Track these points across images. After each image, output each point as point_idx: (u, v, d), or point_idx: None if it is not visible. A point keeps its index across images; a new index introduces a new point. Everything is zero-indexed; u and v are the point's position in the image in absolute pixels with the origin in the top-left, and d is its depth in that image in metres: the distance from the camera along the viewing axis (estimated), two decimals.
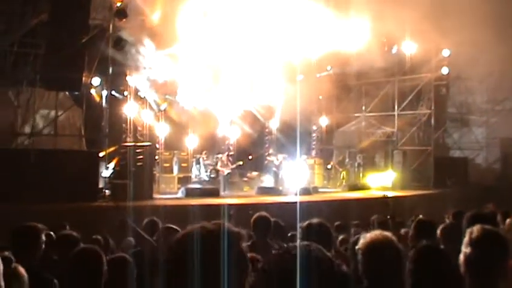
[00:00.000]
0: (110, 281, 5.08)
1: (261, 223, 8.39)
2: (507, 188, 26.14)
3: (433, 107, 32.80)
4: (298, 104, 25.05)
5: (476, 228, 3.96)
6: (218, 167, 27.52)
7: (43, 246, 5.96)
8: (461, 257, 3.94)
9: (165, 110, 28.29)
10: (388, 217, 12.74)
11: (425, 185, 31.20)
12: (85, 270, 4.97)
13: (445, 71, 32.99)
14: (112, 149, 24.31)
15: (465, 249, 3.92)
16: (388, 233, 4.40)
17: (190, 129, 29.08)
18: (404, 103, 32.94)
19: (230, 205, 20.99)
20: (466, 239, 3.95)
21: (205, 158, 28.51)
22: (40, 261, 6.27)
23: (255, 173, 30.62)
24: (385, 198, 13.53)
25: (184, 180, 27.46)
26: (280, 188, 27.27)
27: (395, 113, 33.22)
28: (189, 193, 24.41)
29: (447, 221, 8.48)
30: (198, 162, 28.61)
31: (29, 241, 5.83)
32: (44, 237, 6.02)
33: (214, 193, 25.12)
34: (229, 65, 27.49)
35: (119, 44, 24.17)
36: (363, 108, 34.88)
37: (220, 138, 29.97)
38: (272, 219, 8.60)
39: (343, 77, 32.37)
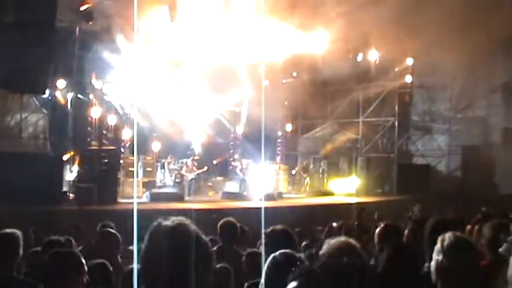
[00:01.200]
0: None
1: (228, 229, 8.33)
2: (468, 195, 26.37)
3: (396, 115, 33.08)
4: (263, 110, 25.00)
5: (447, 236, 3.96)
6: (183, 172, 27.42)
7: (21, 252, 5.82)
8: (433, 264, 3.94)
9: (130, 114, 28.03)
10: (356, 223, 12.82)
11: (389, 192, 31.43)
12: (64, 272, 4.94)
13: (408, 79, 33.29)
14: (76, 152, 24.09)
15: (437, 256, 3.92)
16: (351, 240, 4.37)
17: (156, 133, 28.88)
18: (369, 110, 33.16)
19: (195, 210, 20.95)
20: (437, 246, 3.95)
21: (170, 163, 28.38)
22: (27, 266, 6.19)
23: (219, 178, 30.55)
24: (361, 209, 13.67)
25: (149, 185, 27.26)
26: (245, 193, 27.28)
27: (360, 119, 33.43)
28: (154, 197, 24.24)
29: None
30: (163, 167, 28.48)
31: (6, 249, 5.70)
32: (22, 243, 5.88)
33: (179, 198, 25.07)
34: (194, 71, 27.40)
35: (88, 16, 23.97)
36: (328, 114, 35.00)
37: (185, 143, 29.78)
38: (238, 225, 8.56)
39: (309, 84, 32.42)
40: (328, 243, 4.21)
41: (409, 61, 32.82)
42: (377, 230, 7.11)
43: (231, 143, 32.91)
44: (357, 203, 25.50)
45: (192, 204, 23.81)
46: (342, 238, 4.33)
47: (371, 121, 33.70)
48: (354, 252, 4.18)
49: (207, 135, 30.56)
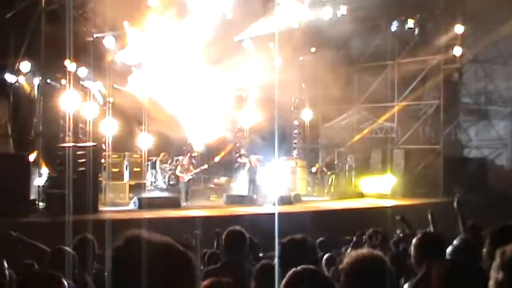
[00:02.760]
0: None
1: (235, 240, 8.41)
2: None
3: (442, 96, 32.73)
4: (276, 94, 25.10)
5: (509, 248, 3.86)
6: (178, 172, 27.52)
7: None
8: (492, 284, 3.87)
9: (113, 102, 28.04)
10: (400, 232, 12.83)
11: (433, 192, 31.08)
12: None
13: (457, 51, 32.66)
14: (45, 151, 24.15)
15: (496, 274, 3.84)
16: (378, 252, 4.43)
17: (145, 126, 28.93)
18: (407, 92, 32.90)
19: (194, 218, 21.06)
20: (496, 262, 3.88)
21: (162, 161, 28.49)
22: None
23: (223, 179, 30.73)
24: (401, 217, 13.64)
25: (137, 189, 27.52)
26: (255, 196, 27.59)
27: (395, 103, 33.26)
28: (144, 204, 24.44)
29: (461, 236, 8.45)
30: (153, 167, 28.60)
31: None
32: None
33: (174, 204, 25.33)
34: (190, 45, 27.48)
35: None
36: (356, 98, 34.95)
37: (180, 137, 29.81)
38: (247, 236, 8.64)
39: (331, 61, 32.26)
40: (350, 256, 4.41)
41: (458, 28, 32.34)
42: (414, 241, 7.03)
43: (237, 135, 33.02)
44: (392, 207, 25.52)
45: (191, 211, 24.22)
46: (365, 250, 4.42)
47: (410, 105, 33.49)
48: (378, 266, 4.28)
49: (207, 127, 30.48)
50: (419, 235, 7.04)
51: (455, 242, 7.68)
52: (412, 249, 6.88)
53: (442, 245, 6.97)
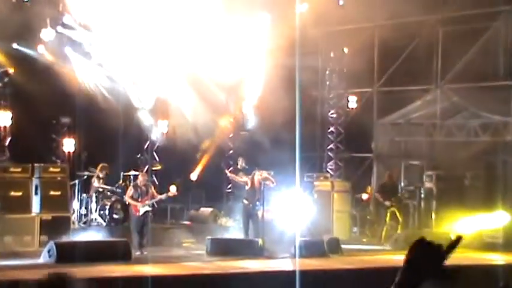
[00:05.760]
0: None
1: None
2: None
3: None
4: (297, 65, 24.64)
5: None
6: (129, 199, 26.91)
7: None
8: None
9: (13, 76, 27.71)
10: None
11: None
12: None
13: None
14: None
15: None
16: None
17: (69, 118, 28.62)
18: None
19: (154, 278, 20.59)
20: None
21: (101, 179, 28.00)
22: None
23: (205, 210, 30.24)
24: None
25: (55, 227, 26.86)
26: (260, 241, 26.80)
27: None
28: (65, 255, 23.74)
29: None
30: (85, 189, 28.14)
31: None
32: None
33: (121, 254, 24.63)
34: None
35: None
36: (439, 73, 34.17)
37: (133, 138, 29.44)
38: None
39: (394, 8, 31.56)
40: None
41: None
42: None
43: (230, 137, 32.67)
44: (505, 266, 24.93)
45: (148, 266, 23.63)
46: None
47: None
48: None
49: (181, 121, 30.17)
50: None
51: None
52: None
53: None
